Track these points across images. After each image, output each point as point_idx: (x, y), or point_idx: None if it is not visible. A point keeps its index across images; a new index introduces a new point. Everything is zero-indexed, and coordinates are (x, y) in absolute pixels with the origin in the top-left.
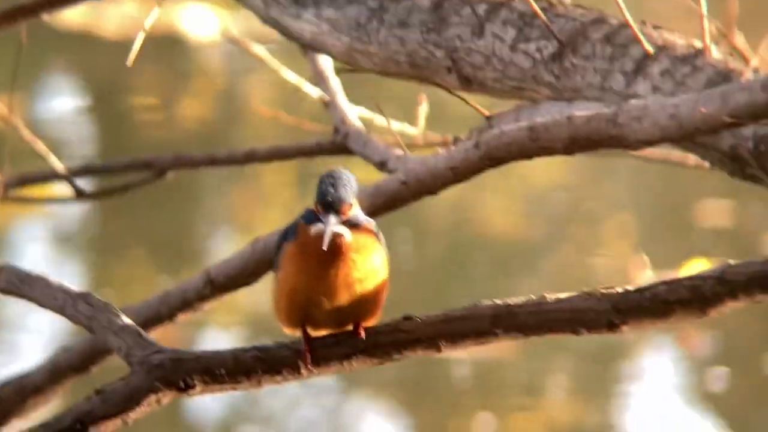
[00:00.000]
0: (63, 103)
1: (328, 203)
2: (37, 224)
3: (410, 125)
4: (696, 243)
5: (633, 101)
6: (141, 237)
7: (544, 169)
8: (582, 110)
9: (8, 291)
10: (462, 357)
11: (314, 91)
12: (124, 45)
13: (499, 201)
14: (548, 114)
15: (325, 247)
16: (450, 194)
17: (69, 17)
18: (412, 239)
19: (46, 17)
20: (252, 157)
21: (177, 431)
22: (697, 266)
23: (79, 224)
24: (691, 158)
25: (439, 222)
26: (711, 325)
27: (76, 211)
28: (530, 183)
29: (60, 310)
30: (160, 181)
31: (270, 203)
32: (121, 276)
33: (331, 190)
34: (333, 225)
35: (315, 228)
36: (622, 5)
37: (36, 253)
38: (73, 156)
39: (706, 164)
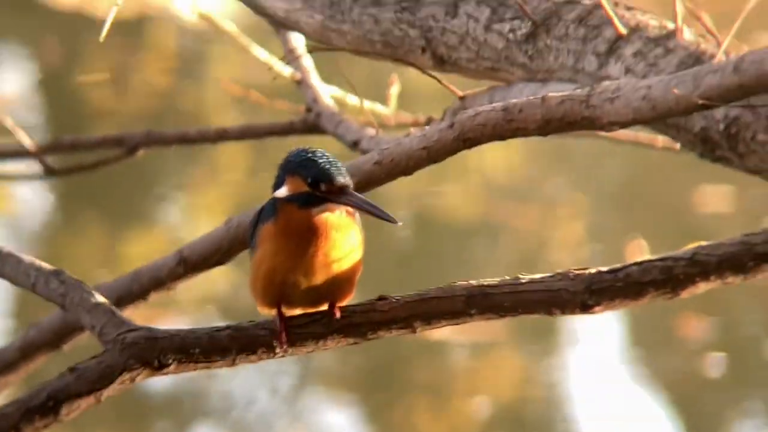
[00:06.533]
0: (25, 79)
1: (341, 182)
2: None
3: (382, 105)
4: (696, 228)
5: (606, 82)
6: (97, 213)
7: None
8: (555, 91)
9: None
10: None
11: (286, 70)
12: (114, 24)
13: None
14: (521, 95)
15: (358, 223)
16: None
17: None
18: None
19: None
20: (223, 136)
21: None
22: None
23: (34, 203)
24: (660, 140)
25: (399, 202)
26: (711, 311)
27: (29, 190)
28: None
29: (32, 287)
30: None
31: (222, 182)
32: (77, 254)
33: (335, 169)
34: (360, 202)
35: (321, 208)
36: None
37: None
38: (32, 131)
39: (677, 146)
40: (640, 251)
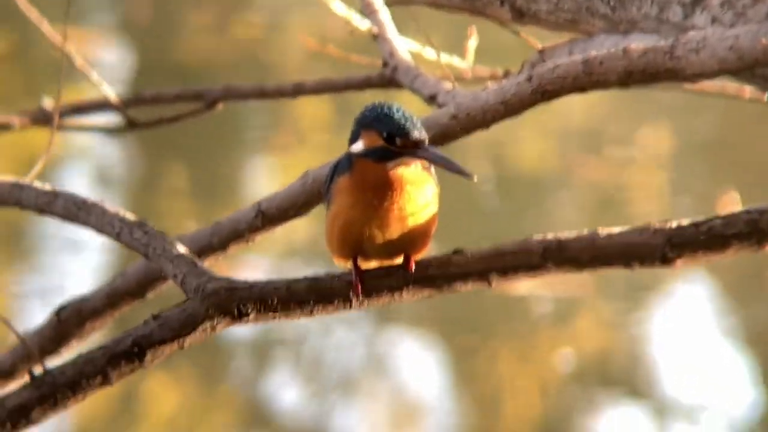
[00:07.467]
0: (115, 32)
1: (416, 137)
2: (78, 155)
3: (459, 58)
4: None
5: (691, 33)
6: (179, 168)
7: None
8: (638, 42)
9: (66, 217)
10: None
11: (363, 24)
12: None
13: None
14: (603, 47)
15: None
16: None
17: None
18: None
19: None
20: (301, 90)
21: (211, 352)
22: None
23: (118, 156)
24: (748, 90)
25: (480, 156)
26: None
27: (114, 142)
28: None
29: (116, 236)
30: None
31: (305, 137)
32: (160, 207)
33: (411, 124)
34: (435, 156)
35: (396, 162)
36: None
37: (78, 184)
38: (120, 85)
39: (764, 97)
40: (731, 204)
